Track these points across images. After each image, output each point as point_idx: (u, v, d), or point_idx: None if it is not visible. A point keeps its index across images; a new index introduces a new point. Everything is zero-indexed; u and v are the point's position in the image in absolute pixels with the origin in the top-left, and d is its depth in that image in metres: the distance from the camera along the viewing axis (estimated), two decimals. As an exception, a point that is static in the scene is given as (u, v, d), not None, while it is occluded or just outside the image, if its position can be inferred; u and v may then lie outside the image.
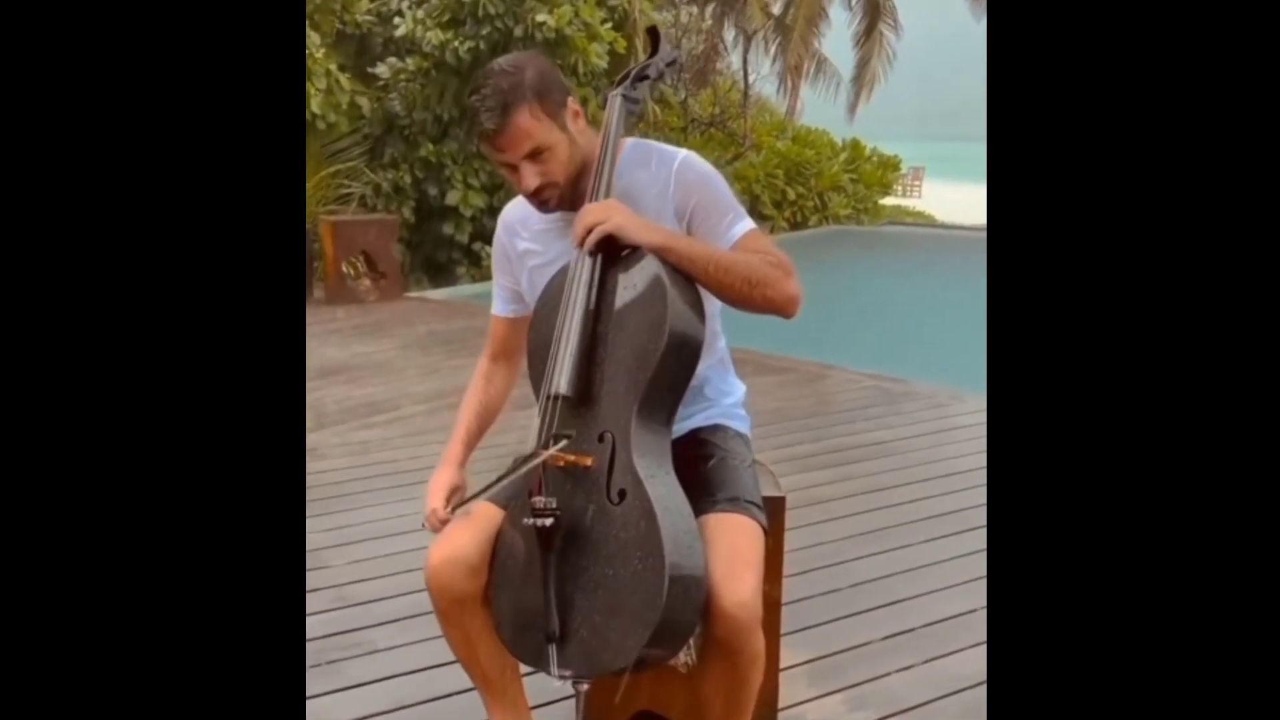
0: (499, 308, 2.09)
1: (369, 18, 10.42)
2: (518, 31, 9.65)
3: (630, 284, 1.74)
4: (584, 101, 10.42)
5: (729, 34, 17.82)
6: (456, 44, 9.70)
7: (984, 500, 3.78)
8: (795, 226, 15.71)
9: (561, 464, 1.66)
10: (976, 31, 18.94)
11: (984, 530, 3.50)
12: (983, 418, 4.94)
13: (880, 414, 5.08)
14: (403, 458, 4.37)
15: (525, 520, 1.66)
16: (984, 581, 3.11)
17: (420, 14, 9.93)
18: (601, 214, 1.73)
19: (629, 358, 1.69)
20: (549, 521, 1.63)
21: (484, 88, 1.75)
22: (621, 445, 1.65)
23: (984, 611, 2.93)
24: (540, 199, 1.83)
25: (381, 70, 10.17)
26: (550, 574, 1.63)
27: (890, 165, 18.37)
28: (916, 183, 24.41)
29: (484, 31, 9.68)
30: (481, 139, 1.79)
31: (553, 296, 1.81)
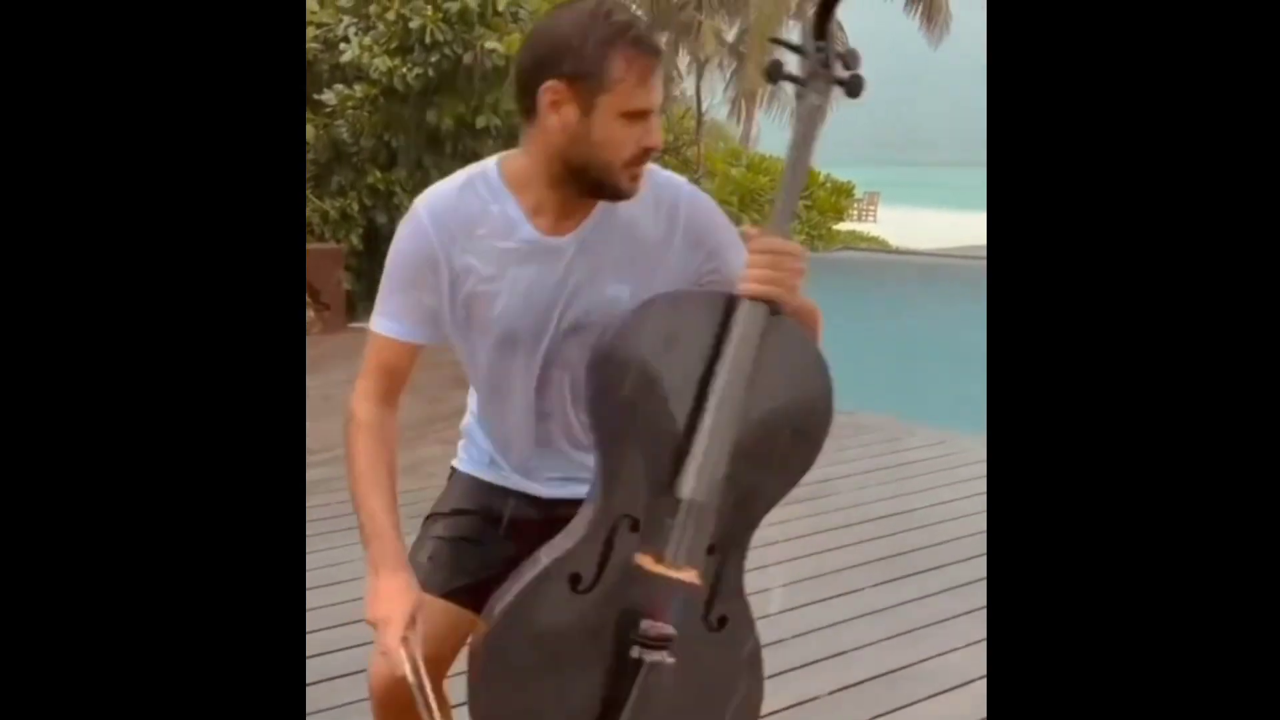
0: (402, 329, 1.56)
1: (315, 44, 10.28)
2: (467, 58, 9.55)
3: (782, 363, 1.42)
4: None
5: (683, 61, 17.86)
6: (404, 71, 9.59)
7: (935, 540, 3.70)
8: (750, 253, 15.68)
9: (665, 578, 1.39)
10: (931, 58, 19.14)
11: (934, 573, 3.41)
12: (936, 451, 4.87)
13: (829, 449, 4.97)
14: (342, 500, 4.19)
15: (633, 653, 1.38)
16: (935, 628, 3.02)
17: (367, 40, 9.81)
18: (791, 258, 1.40)
19: (771, 463, 1.42)
20: (668, 660, 1.38)
21: (624, 14, 1.43)
22: (733, 565, 1.42)
23: (936, 660, 2.85)
24: (638, 171, 1.46)
25: (328, 97, 10.02)
26: (637, 705, 1.39)
27: (844, 191, 18.47)
28: (871, 208, 24.55)
29: (432, 59, 9.57)
30: (642, 70, 1.41)
31: (660, 336, 1.42)
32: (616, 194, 1.48)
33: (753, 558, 1.46)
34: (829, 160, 19.14)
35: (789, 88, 1.48)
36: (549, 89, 1.42)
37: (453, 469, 1.79)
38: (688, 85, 17.76)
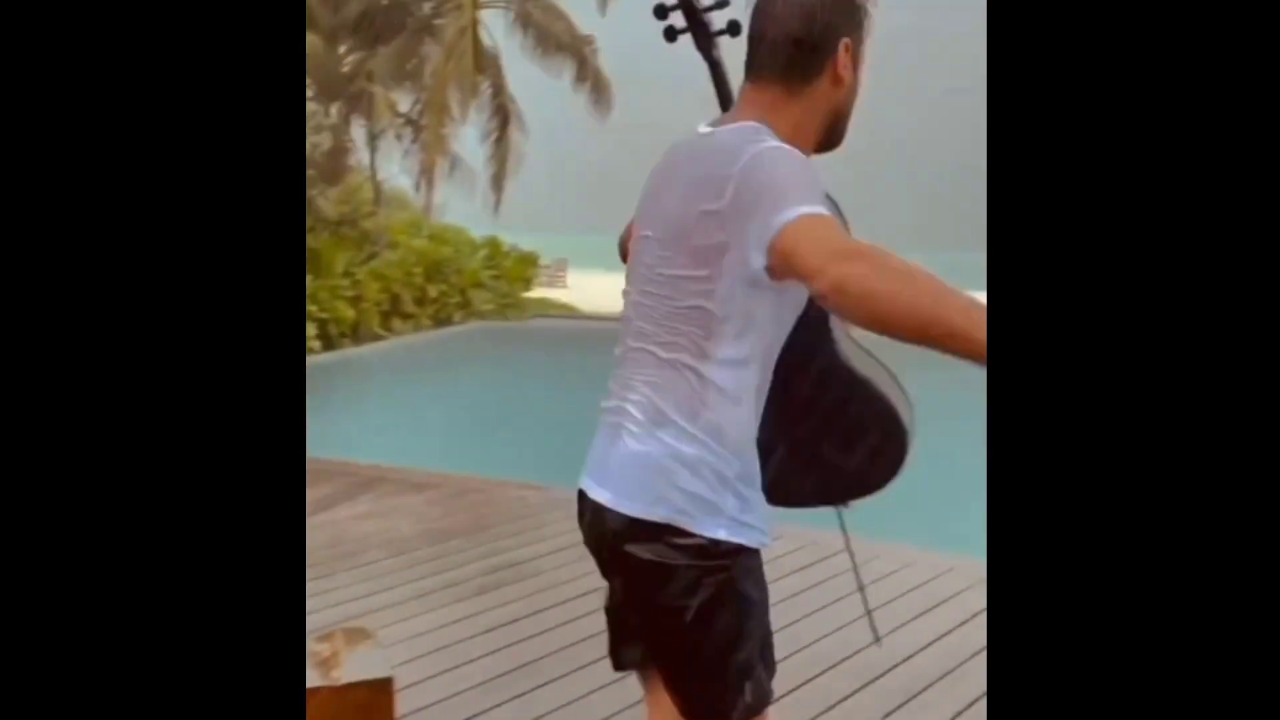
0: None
1: None
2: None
3: None
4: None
5: (359, 131, 17.49)
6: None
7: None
8: (440, 323, 15.50)
9: None
10: (599, 131, 19.80)
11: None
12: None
13: (526, 528, 4.83)
14: None
15: None
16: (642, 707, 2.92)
17: None
18: None
19: None
20: None
21: None
22: None
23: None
24: None
25: None
26: None
27: (529, 260, 18.64)
28: (560, 274, 24.94)
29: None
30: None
31: None
32: (835, 146, 1.59)
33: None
34: (518, 228, 19.36)
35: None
36: (847, 44, 1.50)
37: (734, 549, 1.52)
38: (363, 156, 17.41)
